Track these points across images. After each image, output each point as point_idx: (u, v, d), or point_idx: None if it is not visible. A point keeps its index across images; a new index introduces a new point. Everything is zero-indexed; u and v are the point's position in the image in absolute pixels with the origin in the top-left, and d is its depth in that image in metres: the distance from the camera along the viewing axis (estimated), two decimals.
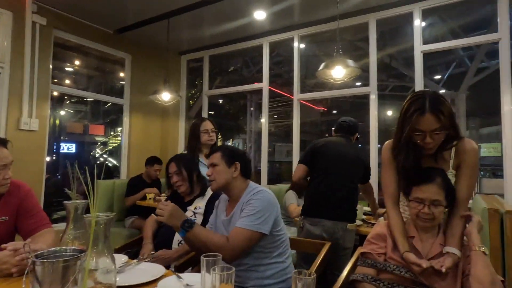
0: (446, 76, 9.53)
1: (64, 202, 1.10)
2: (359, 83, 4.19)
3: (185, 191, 2.09)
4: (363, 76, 3.71)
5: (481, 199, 2.20)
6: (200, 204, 2.05)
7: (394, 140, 1.41)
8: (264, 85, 4.34)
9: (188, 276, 1.30)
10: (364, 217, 2.69)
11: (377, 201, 3.37)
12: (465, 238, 1.31)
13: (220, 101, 6.91)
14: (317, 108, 6.64)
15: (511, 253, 1.68)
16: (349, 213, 2.27)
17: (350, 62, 2.64)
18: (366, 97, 3.70)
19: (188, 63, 5.12)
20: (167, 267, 1.55)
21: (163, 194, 3.63)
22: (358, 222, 2.40)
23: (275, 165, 6.99)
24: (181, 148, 4.97)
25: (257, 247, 1.51)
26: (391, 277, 1.31)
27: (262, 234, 1.47)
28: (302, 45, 4.21)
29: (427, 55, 3.40)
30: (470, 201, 1.74)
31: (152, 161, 3.90)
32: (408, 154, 1.34)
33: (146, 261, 1.55)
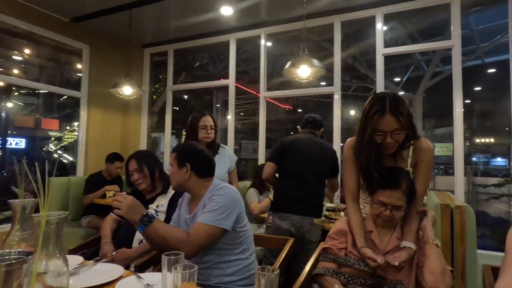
0: (405, 78, 10.06)
1: (10, 201, 1.01)
2: (323, 83, 4.29)
3: (146, 188, 2.03)
4: (327, 76, 3.80)
5: (434, 195, 2.35)
6: (162, 202, 1.99)
7: (357, 139, 1.43)
8: (231, 81, 4.31)
9: (149, 276, 1.25)
10: (326, 213, 2.75)
11: (339, 197, 3.48)
12: (420, 232, 1.38)
13: (185, 96, 6.77)
14: (283, 106, 6.73)
15: (459, 244, 1.80)
16: (316, 208, 2.34)
17: (316, 61, 2.68)
18: (330, 96, 3.79)
19: (151, 57, 4.95)
20: (127, 267, 1.49)
21: (123, 192, 3.48)
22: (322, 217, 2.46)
23: (241, 162, 7.01)
24: (143, 145, 4.80)
25: (220, 243, 1.49)
26: (351, 270, 1.36)
27: (224, 230, 1.45)
28: (269, 43, 4.23)
29: (388, 58, 3.55)
30: (425, 197, 1.84)
31: (113, 158, 3.74)
32: (370, 154, 1.37)
33: (103, 262, 1.47)
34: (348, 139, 1.53)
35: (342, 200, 3.37)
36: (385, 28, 3.60)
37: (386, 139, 1.30)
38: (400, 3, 3.42)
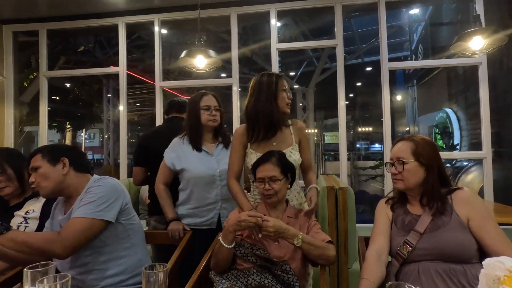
0: (299, 73, 10.86)
1: None
2: (224, 74, 4.28)
3: (12, 193, 1.71)
4: (228, 68, 3.79)
5: (322, 179, 2.60)
6: (33, 207, 1.71)
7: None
8: (121, 69, 3.93)
9: None
10: None
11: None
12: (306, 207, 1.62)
13: (68, 84, 5.94)
14: (184, 97, 6.50)
15: (342, 221, 2.07)
16: None
17: (212, 52, 2.62)
18: (230, 88, 3.79)
19: (15, 36, 4.14)
20: None
21: None
22: None
23: None
24: (9, 141, 4.02)
25: (104, 239, 1.35)
26: (248, 251, 1.44)
27: (106, 222, 1.32)
28: (165, 31, 3.98)
29: (283, 53, 3.71)
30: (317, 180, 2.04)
31: None
32: (276, 112, 1.66)
33: None
34: (239, 126, 1.76)
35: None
36: (279, 24, 3.75)
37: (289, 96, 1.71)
38: (292, 1, 3.59)
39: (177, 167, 1.85)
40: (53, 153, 1.42)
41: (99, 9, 3.77)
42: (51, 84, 4.11)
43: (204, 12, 3.33)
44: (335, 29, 3.56)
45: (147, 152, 2.14)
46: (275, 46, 3.63)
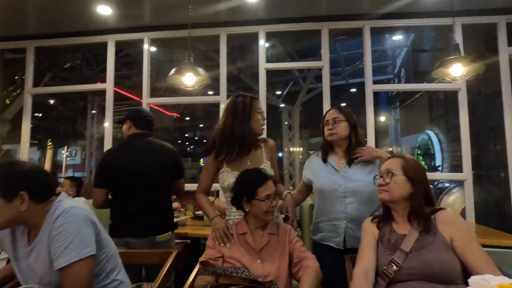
0: (285, 92, 11.03)
1: None
2: (211, 92, 4.30)
3: None
4: (214, 86, 3.82)
5: (308, 198, 2.61)
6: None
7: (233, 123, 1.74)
8: (109, 86, 3.90)
9: None
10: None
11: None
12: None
13: (51, 101, 5.81)
14: (169, 113, 6.45)
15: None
16: (157, 224, 2.07)
17: (201, 70, 2.64)
18: (217, 105, 3.81)
19: (2, 53, 4.07)
20: None
21: None
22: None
23: None
24: None
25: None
26: (229, 280, 1.38)
27: (93, 256, 1.23)
28: (154, 48, 4.00)
29: (270, 73, 3.77)
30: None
31: None
32: (250, 133, 1.70)
33: None
34: (206, 146, 1.79)
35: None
36: (267, 44, 3.82)
37: (263, 117, 1.78)
38: (281, 24, 3.69)
39: (310, 179, 1.92)
40: (9, 186, 1.17)
41: (89, 27, 3.78)
42: (34, 101, 4.03)
43: (195, 31, 3.37)
44: (322, 51, 3.66)
45: (109, 172, 2.02)
46: (263, 66, 3.70)
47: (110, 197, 2.10)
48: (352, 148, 1.80)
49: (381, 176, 1.38)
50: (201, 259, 1.48)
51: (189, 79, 2.73)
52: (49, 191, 1.28)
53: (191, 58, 2.70)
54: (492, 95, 3.42)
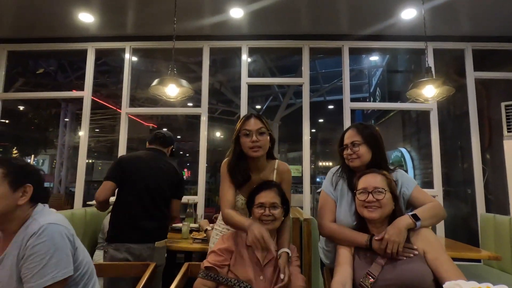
0: (265, 106, 11.16)
1: None
2: (190, 104, 4.29)
3: None
4: (194, 98, 3.82)
5: None
6: None
7: (231, 157, 1.66)
8: (86, 94, 3.81)
9: None
10: (190, 235, 2.67)
11: (202, 216, 3.43)
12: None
13: (21, 107, 5.56)
14: (146, 124, 6.33)
15: (306, 252, 2.08)
16: (157, 231, 2.16)
17: (184, 82, 2.64)
18: (197, 117, 3.80)
19: None
20: None
21: None
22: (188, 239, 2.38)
23: (93, 185, 6.10)
24: None
25: None
26: None
27: (70, 276, 1.17)
28: (135, 58, 3.97)
29: (250, 87, 3.82)
30: None
31: None
32: (239, 167, 1.62)
33: None
34: (225, 159, 1.70)
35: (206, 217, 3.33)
36: (249, 60, 3.89)
37: (253, 138, 1.57)
38: (263, 40, 3.78)
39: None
40: (20, 174, 1.17)
41: (69, 34, 3.71)
42: (2, 107, 3.86)
43: (178, 44, 3.38)
44: (303, 68, 3.77)
45: (123, 171, 2.13)
46: (245, 80, 3.75)
47: (112, 200, 2.16)
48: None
49: (366, 193, 1.39)
50: (205, 263, 1.46)
51: (172, 90, 2.72)
52: (45, 195, 1.27)
53: (174, 69, 2.71)
54: (460, 115, 3.63)
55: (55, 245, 1.13)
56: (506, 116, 3.22)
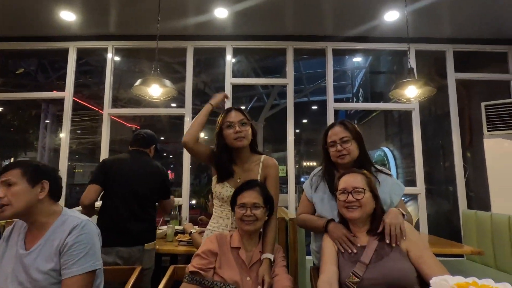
0: (249, 107, 11.15)
1: None
2: (174, 104, 4.23)
3: None
4: (178, 98, 3.78)
5: None
6: None
7: (215, 150, 1.68)
8: (67, 95, 3.70)
9: None
10: (175, 237, 2.64)
11: (187, 219, 3.39)
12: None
13: (0, 109, 5.37)
14: (129, 125, 6.17)
15: (292, 252, 2.08)
16: (146, 233, 2.16)
17: (168, 82, 2.60)
18: (181, 118, 3.75)
19: None
20: None
21: None
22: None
23: (75, 189, 5.93)
24: None
25: None
26: None
27: (98, 270, 1.31)
28: (117, 58, 3.89)
29: (235, 87, 3.81)
30: None
31: None
32: (223, 160, 1.64)
33: None
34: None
35: (191, 221, 3.30)
36: (234, 60, 3.87)
37: (236, 128, 1.60)
38: (248, 40, 3.77)
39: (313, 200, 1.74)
40: (36, 172, 1.30)
41: (50, 32, 3.61)
42: None
43: (162, 43, 3.33)
44: (287, 69, 3.78)
45: (107, 173, 2.11)
46: (229, 80, 3.73)
47: (98, 205, 2.13)
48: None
49: (347, 193, 1.40)
50: (190, 268, 1.44)
51: (155, 90, 2.68)
52: (60, 193, 1.39)
53: (158, 69, 2.66)
54: (442, 115, 3.72)
55: (93, 239, 1.30)
56: (486, 115, 3.32)
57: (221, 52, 3.83)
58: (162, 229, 2.80)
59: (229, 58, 3.77)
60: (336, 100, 3.76)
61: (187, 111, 3.70)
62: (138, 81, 2.56)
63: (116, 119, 4.30)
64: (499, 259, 2.66)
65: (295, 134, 3.67)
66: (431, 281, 0.91)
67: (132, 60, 4.61)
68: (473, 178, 3.54)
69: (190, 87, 3.75)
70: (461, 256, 3.09)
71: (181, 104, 3.76)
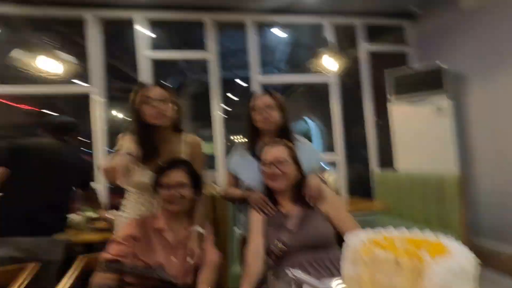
0: (175, 84, 10.64)
1: None
2: (81, 82, 3.69)
3: None
4: (85, 75, 3.32)
5: None
6: None
7: (134, 129, 1.52)
8: None
9: None
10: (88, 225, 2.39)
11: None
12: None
13: None
14: (25, 107, 4.90)
15: (222, 224, 2.10)
16: (56, 222, 1.98)
17: (64, 55, 2.23)
18: (87, 96, 3.30)
19: None
20: None
21: None
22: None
23: None
24: None
25: None
26: (137, 280, 1.27)
27: None
28: None
29: (156, 63, 3.47)
30: None
31: None
32: (143, 139, 1.49)
33: None
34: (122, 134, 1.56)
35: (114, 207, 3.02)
36: (152, 34, 3.50)
37: (153, 104, 1.47)
38: (162, 11, 3.43)
39: (235, 171, 1.80)
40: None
41: None
42: None
43: (53, 11, 2.83)
44: (208, 43, 3.57)
45: (14, 158, 1.92)
46: (145, 54, 3.40)
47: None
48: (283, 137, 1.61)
49: (271, 165, 1.44)
50: (106, 256, 1.30)
51: (44, 62, 2.25)
52: None
53: (54, 43, 2.24)
54: (355, 85, 3.95)
55: None
56: (390, 83, 3.54)
57: (136, 24, 3.41)
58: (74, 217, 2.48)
59: (140, 29, 3.40)
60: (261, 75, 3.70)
61: (93, 89, 3.27)
62: (17, 52, 2.10)
63: (5, 101, 3.62)
64: (405, 211, 2.99)
65: (224, 110, 3.60)
66: (345, 238, 0.95)
67: (11, 30, 3.73)
68: (383, 141, 3.86)
69: (98, 63, 3.30)
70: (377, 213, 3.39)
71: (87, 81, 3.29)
